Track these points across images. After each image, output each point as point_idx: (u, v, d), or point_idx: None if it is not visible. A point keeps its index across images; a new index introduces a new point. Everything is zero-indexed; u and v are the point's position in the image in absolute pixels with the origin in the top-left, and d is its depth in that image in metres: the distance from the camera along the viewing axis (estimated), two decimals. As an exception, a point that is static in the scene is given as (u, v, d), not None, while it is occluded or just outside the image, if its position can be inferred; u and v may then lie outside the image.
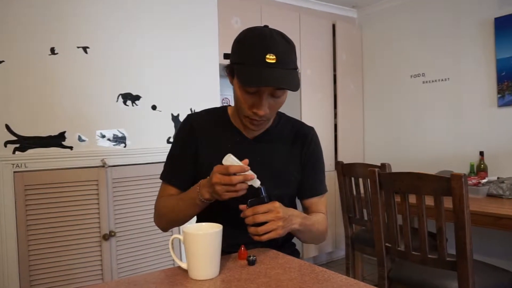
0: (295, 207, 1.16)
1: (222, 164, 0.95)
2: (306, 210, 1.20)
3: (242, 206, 0.96)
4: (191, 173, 1.13)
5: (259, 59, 0.95)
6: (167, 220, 1.13)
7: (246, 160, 0.96)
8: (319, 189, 1.20)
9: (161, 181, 1.19)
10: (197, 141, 1.13)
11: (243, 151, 1.11)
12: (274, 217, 0.93)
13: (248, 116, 1.03)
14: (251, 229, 0.94)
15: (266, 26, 1.03)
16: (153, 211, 1.18)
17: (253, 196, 0.96)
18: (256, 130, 1.09)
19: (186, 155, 1.14)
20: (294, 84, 0.96)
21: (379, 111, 3.66)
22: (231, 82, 1.06)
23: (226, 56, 1.06)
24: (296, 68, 1.02)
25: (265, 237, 0.93)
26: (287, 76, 0.96)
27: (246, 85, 0.97)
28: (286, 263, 0.94)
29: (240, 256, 0.98)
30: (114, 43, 2.12)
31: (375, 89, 3.68)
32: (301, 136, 1.18)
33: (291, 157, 1.16)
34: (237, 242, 1.06)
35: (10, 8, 1.85)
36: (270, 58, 0.94)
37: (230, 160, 0.95)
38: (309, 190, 1.18)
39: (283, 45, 0.98)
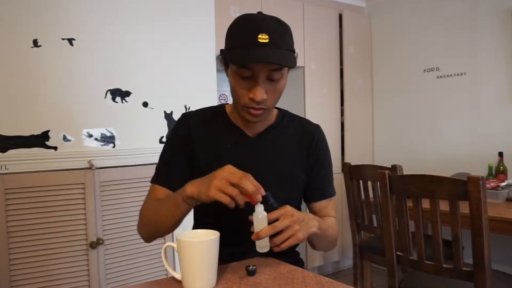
0: None
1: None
2: (315, 214, 1.19)
3: (251, 218, 0.93)
4: (186, 176, 1.10)
5: (251, 40, 0.95)
6: (149, 224, 1.09)
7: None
8: (328, 191, 1.20)
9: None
10: (193, 141, 1.12)
11: (244, 150, 1.11)
12: (290, 222, 0.91)
13: (246, 105, 1.02)
14: (273, 241, 0.91)
15: (259, 13, 1.03)
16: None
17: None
18: (256, 121, 1.07)
19: (181, 157, 1.12)
20: (289, 61, 0.97)
21: (389, 109, 3.66)
22: (227, 74, 1.06)
23: (222, 51, 1.06)
24: (293, 50, 1.02)
25: (284, 246, 0.91)
26: (281, 54, 0.96)
27: (239, 65, 0.96)
28: (289, 273, 0.94)
29: (250, 198, 0.89)
30: (102, 35, 2.12)
31: (386, 84, 3.68)
32: (307, 135, 1.18)
33: (296, 157, 1.16)
34: (236, 250, 1.06)
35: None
36: (263, 38, 0.94)
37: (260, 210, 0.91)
38: (318, 193, 1.18)
39: (276, 27, 0.98)
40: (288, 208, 0.94)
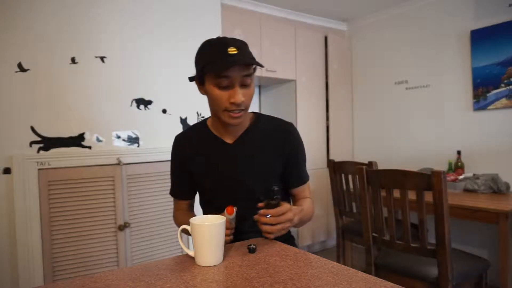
0: (285, 196, 1.18)
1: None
2: (294, 197, 1.21)
3: (260, 205, 0.98)
4: (189, 186, 1.19)
5: (223, 53, 0.96)
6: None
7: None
8: (304, 178, 1.20)
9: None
10: (184, 158, 1.15)
11: (225, 156, 1.11)
12: (286, 220, 0.95)
13: (227, 110, 1.01)
14: (266, 228, 0.96)
15: (218, 37, 1.05)
16: (163, 204, 1.20)
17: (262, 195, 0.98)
18: (237, 123, 1.05)
19: (180, 174, 1.18)
20: (258, 62, 0.99)
21: (367, 114, 3.66)
22: (203, 92, 1.06)
23: (191, 79, 1.07)
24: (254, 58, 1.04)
25: (272, 236, 0.97)
26: (251, 59, 0.99)
27: (220, 71, 0.96)
28: (283, 251, 0.94)
29: (228, 211, 1.00)
30: (129, 53, 2.12)
31: (363, 94, 3.68)
32: (281, 132, 1.14)
33: (273, 152, 1.12)
34: (241, 233, 1.07)
35: (36, 20, 1.85)
36: (232, 50, 0.96)
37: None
38: (296, 181, 1.18)
39: (239, 42, 1.01)
40: (288, 208, 0.96)
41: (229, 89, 0.99)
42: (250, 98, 1.03)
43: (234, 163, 1.10)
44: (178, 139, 1.19)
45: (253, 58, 1.01)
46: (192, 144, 1.15)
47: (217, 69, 0.97)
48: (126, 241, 2.06)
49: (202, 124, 1.18)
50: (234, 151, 1.11)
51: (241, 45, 0.99)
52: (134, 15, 2.14)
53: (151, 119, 2.20)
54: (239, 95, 0.99)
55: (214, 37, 1.05)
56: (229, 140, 1.12)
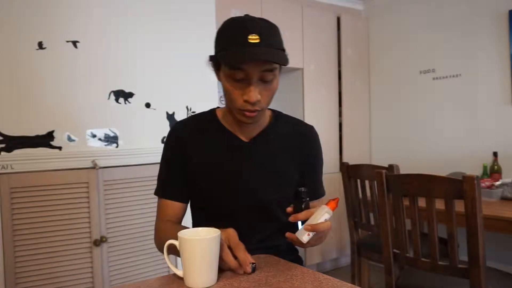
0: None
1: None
2: None
3: (289, 209, 0.98)
4: (185, 184, 1.13)
5: (241, 41, 0.93)
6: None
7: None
8: (320, 191, 1.20)
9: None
10: (186, 153, 1.11)
11: (239, 156, 1.11)
12: (326, 228, 0.92)
13: (241, 108, 1.00)
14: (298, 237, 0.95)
15: (247, 15, 1.03)
16: (147, 214, 1.18)
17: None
18: (251, 123, 1.05)
19: (176, 170, 1.13)
20: (281, 59, 0.95)
21: (386, 109, 3.66)
22: (219, 78, 1.05)
23: (211, 58, 1.06)
24: (283, 49, 1.00)
25: (308, 245, 0.95)
26: (272, 53, 0.95)
27: (231, 64, 0.95)
28: (288, 270, 0.94)
29: (331, 204, 0.94)
30: (106, 37, 2.12)
31: (383, 86, 3.68)
32: (301, 136, 1.17)
33: (290, 158, 1.14)
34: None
35: (-5, 0, 1.85)
36: (253, 38, 0.93)
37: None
38: (310, 193, 1.17)
39: (265, 26, 0.97)
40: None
41: (244, 82, 0.97)
42: (269, 97, 1.01)
43: (246, 166, 1.10)
44: (178, 129, 1.15)
45: (280, 50, 0.98)
46: (196, 135, 1.13)
47: (229, 61, 0.95)
48: (102, 258, 2.05)
49: (210, 114, 1.16)
50: (250, 153, 1.11)
51: (267, 32, 0.96)
52: (112, -8, 2.14)
53: (132, 114, 2.20)
54: (254, 93, 0.96)
55: (242, 14, 1.02)
56: (244, 138, 1.12)
